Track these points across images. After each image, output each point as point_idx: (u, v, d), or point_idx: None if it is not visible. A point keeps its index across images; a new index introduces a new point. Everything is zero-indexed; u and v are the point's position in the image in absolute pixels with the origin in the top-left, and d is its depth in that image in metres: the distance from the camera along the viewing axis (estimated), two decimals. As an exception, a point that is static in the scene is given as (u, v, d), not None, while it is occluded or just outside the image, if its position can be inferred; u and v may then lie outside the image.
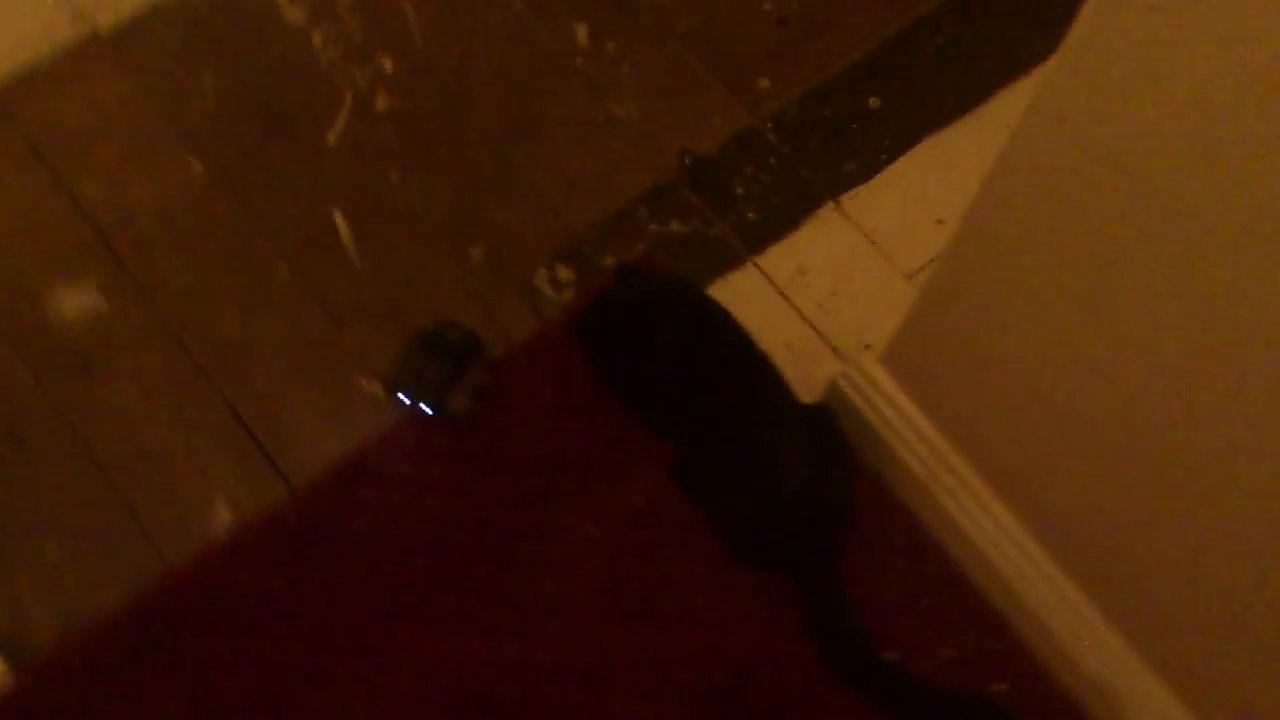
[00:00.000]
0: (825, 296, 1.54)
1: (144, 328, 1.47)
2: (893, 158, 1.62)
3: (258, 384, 1.46)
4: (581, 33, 1.68)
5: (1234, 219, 0.85)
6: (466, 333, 1.44)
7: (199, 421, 1.43)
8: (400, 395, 1.40)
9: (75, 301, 1.48)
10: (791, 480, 1.36)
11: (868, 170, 1.61)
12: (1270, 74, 0.75)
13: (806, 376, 1.47)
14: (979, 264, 1.14)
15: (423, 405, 1.40)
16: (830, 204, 1.59)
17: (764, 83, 1.67)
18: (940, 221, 1.54)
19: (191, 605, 1.34)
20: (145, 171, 1.56)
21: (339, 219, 1.55)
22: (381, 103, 1.61)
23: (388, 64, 1.63)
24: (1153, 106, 0.84)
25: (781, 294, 1.54)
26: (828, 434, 1.40)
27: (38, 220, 1.53)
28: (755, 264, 1.55)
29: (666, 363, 1.41)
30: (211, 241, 1.53)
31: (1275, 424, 0.93)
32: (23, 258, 1.50)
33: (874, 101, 1.66)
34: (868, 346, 1.50)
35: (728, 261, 1.55)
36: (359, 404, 1.45)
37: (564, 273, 1.53)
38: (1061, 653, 1.33)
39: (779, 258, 1.56)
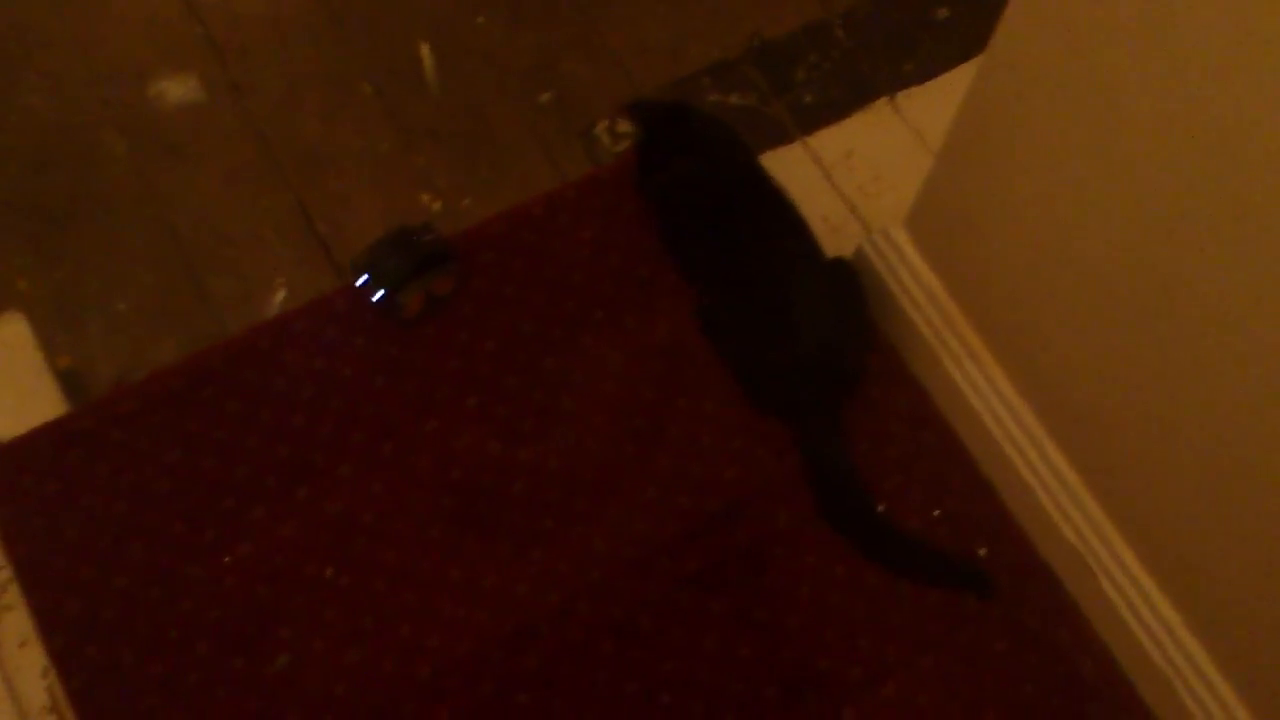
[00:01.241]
0: (867, 180, 1.61)
1: (234, 123, 1.60)
2: (951, 66, 1.69)
3: (329, 187, 1.57)
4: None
5: (1237, 57, 0.91)
6: (440, 239, 1.48)
7: (271, 212, 1.55)
8: (362, 278, 1.47)
9: (177, 90, 1.61)
10: (808, 335, 1.44)
11: (925, 73, 1.69)
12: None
13: (837, 248, 1.54)
14: (992, 117, 1.21)
15: (377, 295, 1.46)
16: (885, 99, 1.67)
17: (841, -17, 1.75)
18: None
19: (241, 372, 1.46)
20: (256, -15, 1.70)
21: (425, 51, 1.66)
22: (479, -47, 1.73)
23: (489, -80, 1.75)
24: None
25: (826, 173, 1.62)
26: (849, 293, 1.47)
27: (157, 15, 1.67)
28: (805, 143, 1.63)
29: (704, 214, 1.50)
30: (307, 55, 1.66)
31: (1272, 280, 0.99)
32: (138, 46, 1.64)
33: (943, 13, 1.73)
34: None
35: (779, 138, 1.64)
36: (416, 216, 1.55)
37: (623, 125, 1.63)
38: (1044, 520, 1.39)
39: (828, 140, 1.64)
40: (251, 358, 1.46)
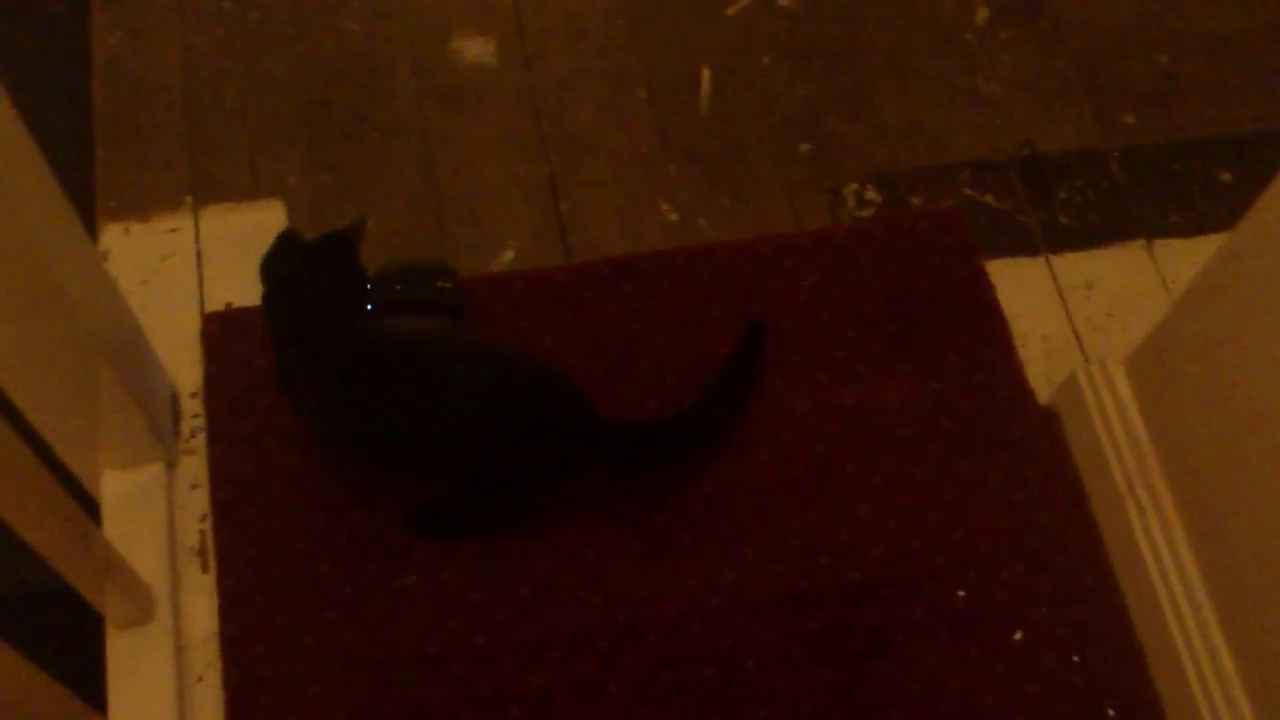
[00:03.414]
0: (1100, 314, 1.59)
1: (515, 91, 1.71)
2: (1220, 229, 1.65)
3: (582, 171, 1.66)
4: (982, 14, 1.80)
5: None
6: (454, 291, 1.47)
7: (523, 180, 1.65)
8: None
9: (474, 50, 1.73)
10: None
11: (1192, 229, 1.65)
12: None
13: (1049, 370, 1.54)
14: (1237, 285, 1.18)
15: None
16: (1142, 241, 1.64)
17: (1129, 119, 1.73)
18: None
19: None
20: (571, -24, 1.81)
21: (705, 74, 1.73)
22: (784, 1, 1.79)
23: (804, -28, 1.82)
24: None
25: (1061, 296, 1.60)
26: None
27: (475, -18, 1.81)
28: (1049, 260, 1.62)
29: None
30: (597, 49, 1.75)
31: None
32: (451, 6, 1.77)
33: (1226, 176, 1.69)
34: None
35: (1023, 248, 1.63)
36: (652, 223, 1.63)
37: (872, 194, 1.66)
38: (1188, 705, 1.32)
39: (1073, 265, 1.62)
40: (467, 302, 1.53)
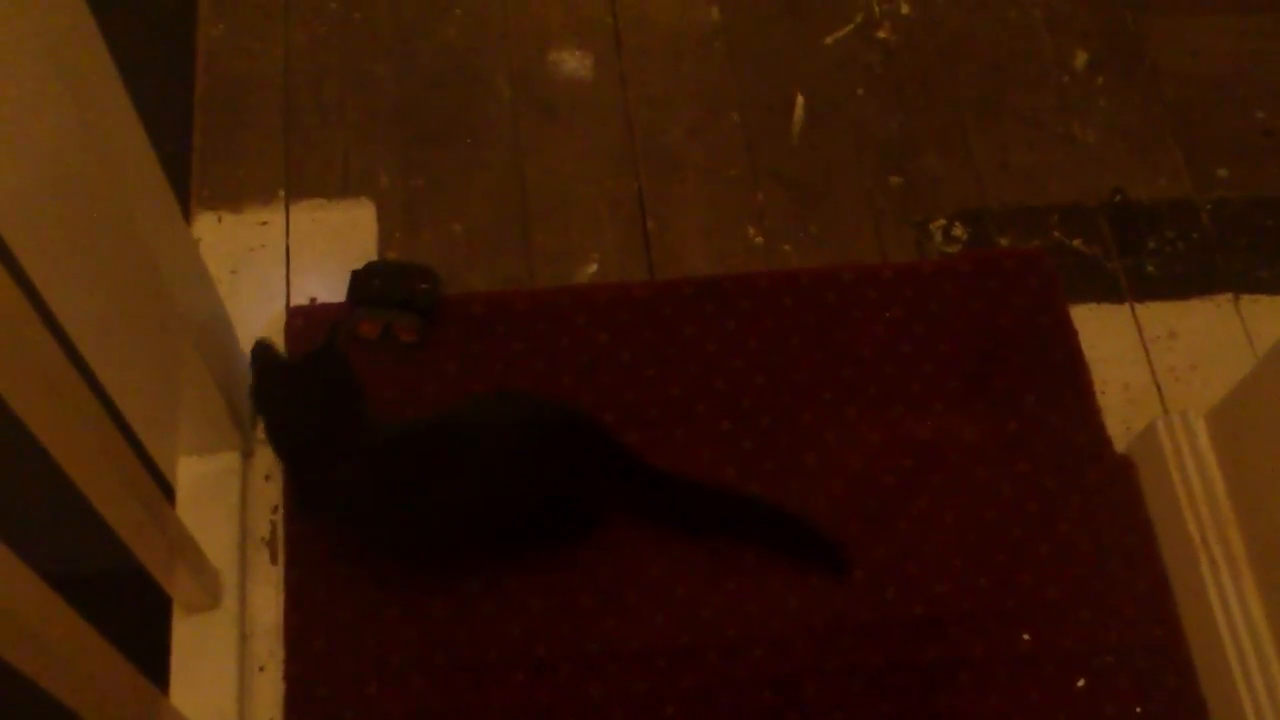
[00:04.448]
0: (1183, 365, 1.57)
1: (609, 106, 1.72)
2: (1313, 289, 1.63)
3: (670, 190, 1.66)
4: (1080, 58, 1.79)
5: None
6: (430, 294, 1.51)
7: (611, 194, 1.65)
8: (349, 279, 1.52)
9: (571, 63, 1.75)
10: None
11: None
12: None
13: (1128, 419, 1.52)
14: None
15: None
16: (1229, 295, 1.62)
17: (1222, 172, 1.71)
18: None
19: (534, 320, 1.54)
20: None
21: (800, 101, 1.74)
22: (883, 32, 1.79)
23: (905, 7, 1.82)
24: None
25: (1144, 344, 1.58)
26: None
27: (580, 1, 1.81)
28: (1134, 309, 1.60)
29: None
30: (693, 71, 1.76)
31: None
32: (554, 18, 1.79)
33: (1318, 235, 1.67)
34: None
35: (1108, 295, 1.62)
36: (737, 245, 1.63)
37: (959, 230, 1.65)
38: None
39: (1158, 315, 1.61)
40: (548, 311, 1.55)
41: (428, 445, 1.34)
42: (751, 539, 1.44)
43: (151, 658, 1.28)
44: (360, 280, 1.52)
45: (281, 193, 1.63)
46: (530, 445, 1.36)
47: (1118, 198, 1.69)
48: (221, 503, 1.40)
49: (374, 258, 1.58)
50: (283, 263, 1.58)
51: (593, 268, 1.60)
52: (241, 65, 1.73)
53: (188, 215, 1.59)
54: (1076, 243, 1.65)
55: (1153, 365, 1.57)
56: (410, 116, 1.69)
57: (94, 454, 1.02)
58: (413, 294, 1.51)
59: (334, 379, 1.33)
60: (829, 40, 1.78)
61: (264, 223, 1.61)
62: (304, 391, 1.33)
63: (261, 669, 1.34)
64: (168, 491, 1.38)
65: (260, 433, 1.44)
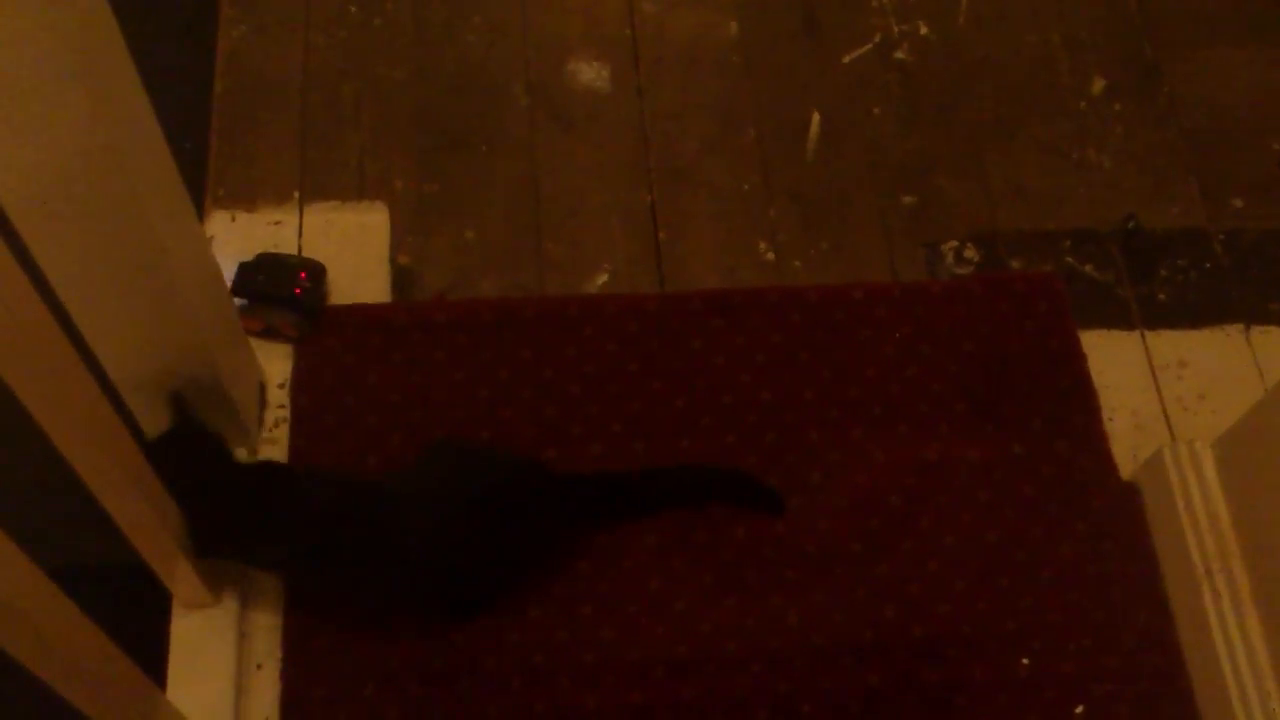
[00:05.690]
0: (1191, 395, 1.56)
1: (625, 119, 1.72)
2: (1325, 324, 1.63)
3: (683, 203, 1.67)
4: (1098, 84, 1.79)
5: None
6: (312, 294, 1.50)
7: (624, 206, 1.66)
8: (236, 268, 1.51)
9: (588, 75, 1.75)
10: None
11: (1294, 320, 1.63)
12: None
13: (1135, 446, 1.52)
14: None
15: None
16: (1240, 326, 1.61)
17: (1237, 203, 1.71)
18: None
19: (543, 328, 1.54)
20: (693, 12, 1.82)
21: (815, 119, 1.74)
22: (901, 53, 1.80)
23: (924, 28, 1.82)
24: None
25: (1153, 373, 1.57)
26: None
27: (599, 11, 1.82)
28: (1143, 336, 1.60)
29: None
30: (710, 85, 1.76)
31: None
32: (573, 29, 1.80)
33: (1331, 283, 1.67)
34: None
35: (1118, 321, 1.61)
36: (748, 261, 1.63)
37: (971, 252, 1.65)
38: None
39: (1167, 343, 1.60)
40: (557, 320, 1.55)
41: (354, 518, 1.32)
42: (699, 500, 1.45)
43: (150, 653, 1.28)
44: (245, 274, 1.51)
45: (296, 194, 1.63)
46: (458, 518, 1.33)
47: (1131, 225, 1.68)
48: (225, 500, 1.41)
49: (387, 253, 1.59)
50: (295, 263, 1.59)
51: (603, 278, 1.60)
52: (261, 66, 1.73)
53: (202, 213, 1.60)
54: (1088, 268, 1.65)
55: (1161, 393, 1.57)
56: (426, 122, 1.70)
57: (97, 446, 1.03)
58: (293, 292, 1.50)
59: (227, 480, 1.30)
60: (847, 59, 1.79)
61: (277, 222, 1.61)
62: (217, 506, 1.29)
63: (259, 667, 1.34)
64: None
65: (266, 432, 1.45)
